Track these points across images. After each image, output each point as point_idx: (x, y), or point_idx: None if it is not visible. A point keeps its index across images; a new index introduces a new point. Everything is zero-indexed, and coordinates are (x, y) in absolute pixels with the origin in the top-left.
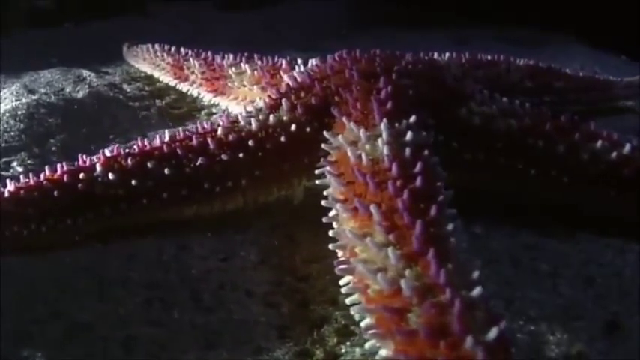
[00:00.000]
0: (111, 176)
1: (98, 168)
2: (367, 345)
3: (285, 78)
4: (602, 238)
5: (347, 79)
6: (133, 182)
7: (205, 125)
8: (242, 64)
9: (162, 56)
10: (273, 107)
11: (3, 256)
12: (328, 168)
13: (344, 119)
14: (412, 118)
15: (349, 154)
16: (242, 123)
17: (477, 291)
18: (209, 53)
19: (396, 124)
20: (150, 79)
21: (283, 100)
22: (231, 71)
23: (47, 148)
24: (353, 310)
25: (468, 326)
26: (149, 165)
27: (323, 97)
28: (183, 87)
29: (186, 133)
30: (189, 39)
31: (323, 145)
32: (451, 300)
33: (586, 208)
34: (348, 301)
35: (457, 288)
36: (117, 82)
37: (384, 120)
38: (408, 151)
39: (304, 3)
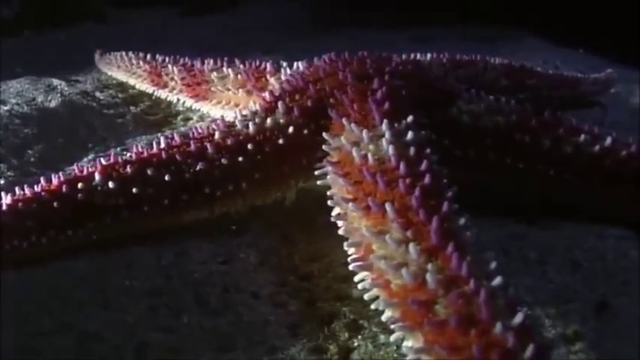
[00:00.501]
0: (111, 184)
1: (97, 177)
2: (392, 337)
3: (273, 81)
4: (583, 226)
5: (340, 81)
6: (134, 190)
7: (201, 130)
8: (224, 69)
9: (139, 63)
10: (269, 110)
11: (4, 270)
12: (330, 168)
13: (343, 120)
14: (410, 118)
15: (354, 154)
16: (239, 127)
17: (497, 280)
18: (187, 59)
19: (396, 124)
20: (122, 87)
21: (279, 103)
22: (214, 76)
23: (25, 159)
24: (374, 305)
25: (495, 313)
26: (149, 172)
27: (318, 100)
28: (162, 94)
29: (183, 138)
30: (151, 44)
31: (324, 146)
32: (476, 290)
33: (570, 199)
34: (366, 296)
35: (479, 279)
36: (89, 90)
37: (385, 120)
38: (412, 149)
39: (266, 5)
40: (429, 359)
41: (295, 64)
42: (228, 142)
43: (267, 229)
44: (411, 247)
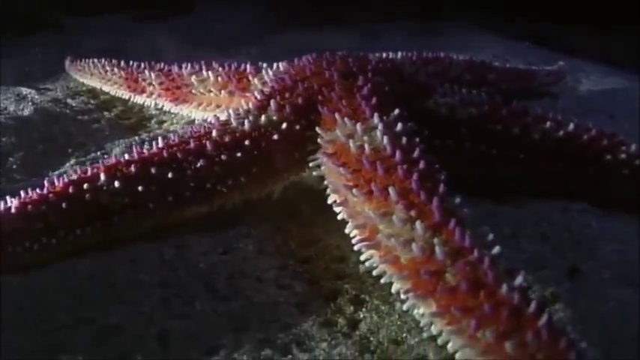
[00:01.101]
0: (116, 184)
1: (102, 177)
2: (405, 306)
3: (257, 81)
4: (549, 203)
5: (327, 80)
6: (139, 188)
7: (197, 129)
8: (203, 72)
9: (113, 70)
10: (262, 108)
11: (17, 272)
12: (326, 159)
13: (336, 115)
14: (396, 111)
15: (350, 145)
16: (234, 124)
17: (496, 249)
18: (163, 64)
19: (385, 117)
20: (93, 93)
21: (272, 102)
22: (193, 79)
23: (9, 167)
24: (384, 279)
25: (499, 277)
26: (152, 170)
27: (307, 97)
28: (139, 99)
29: (181, 137)
30: (111, 50)
31: (319, 140)
32: (480, 258)
33: (538, 180)
34: (374, 272)
35: (480, 248)
36: (60, 98)
37: (375, 113)
38: (404, 139)
39: (218, 9)
40: (444, 322)
41: (274, 65)
42: (226, 139)
43: (259, 220)
44: (417, 224)
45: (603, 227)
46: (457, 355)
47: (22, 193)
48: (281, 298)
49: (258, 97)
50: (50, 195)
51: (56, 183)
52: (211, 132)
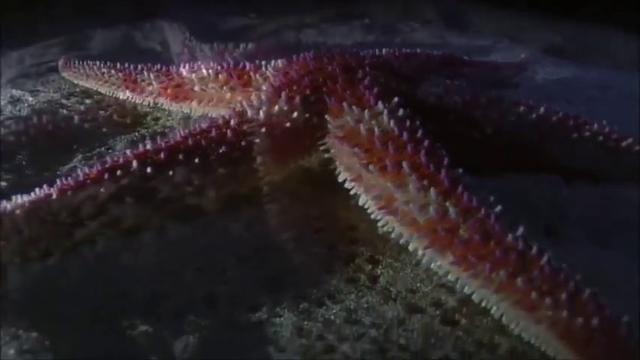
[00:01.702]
0: (148, 170)
1: (134, 163)
2: (424, 260)
3: (259, 77)
4: (523, 176)
5: (330, 73)
6: (170, 173)
7: (215, 119)
8: (202, 70)
9: (110, 72)
10: (273, 99)
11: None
12: (337, 142)
13: (344, 104)
14: (395, 99)
15: (361, 128)
16: (250, 114)
17: (498, 208)
18: (159, 65)
19: (387, 104)
20: (86, 93)
21: (282, 93)
22: (194, 77)
23: (17, 163)
24: (402, 240)
25: (505, 229)
26: (180, 157)
27: (314, 89)
28: (138, 99)
29: (202, 127)
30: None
31: (329, 126)
32: (487, 215)
33: (516, 157)
34: (393, 234)
35: (486, 207)
36: (55, 99)
37: (379, 101)
38: (407, 122)
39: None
40: (461, 269)
41: (272, 62)
42: (244, 127)
43: (268, 202)
44: (431, 191)
45: (572, 194)
46: (474, 296)
47: (58, 181)
48: (306, 262)
49: (270, 89)
50: (87, 181)
51: (88, 170)
52: (230, 121)
